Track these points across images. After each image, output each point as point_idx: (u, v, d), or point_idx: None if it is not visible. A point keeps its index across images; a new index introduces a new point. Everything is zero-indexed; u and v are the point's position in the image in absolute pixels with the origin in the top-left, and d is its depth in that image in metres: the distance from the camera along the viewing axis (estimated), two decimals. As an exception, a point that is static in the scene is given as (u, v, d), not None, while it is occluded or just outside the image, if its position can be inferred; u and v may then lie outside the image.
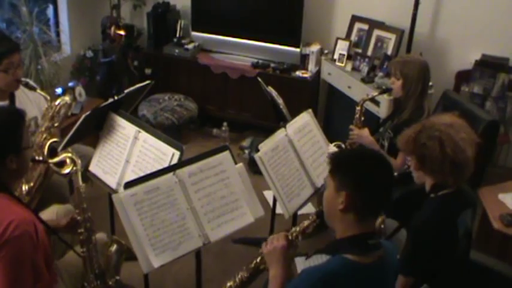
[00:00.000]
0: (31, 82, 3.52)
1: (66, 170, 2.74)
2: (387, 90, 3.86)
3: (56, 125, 3.37)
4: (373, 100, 3.83)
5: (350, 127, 3.91)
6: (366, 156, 2.11)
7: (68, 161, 2.71)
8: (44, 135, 3.32)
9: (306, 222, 2.50)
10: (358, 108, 3.90)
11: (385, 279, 2.07)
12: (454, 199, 2.60)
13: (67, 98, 3.43)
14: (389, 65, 4.66)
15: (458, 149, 2.49)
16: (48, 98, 3.45)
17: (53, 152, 2.84)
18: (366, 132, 3.85)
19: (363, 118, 3.91)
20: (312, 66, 5.40)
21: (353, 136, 3.90)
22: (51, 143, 3.04)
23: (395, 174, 3.08)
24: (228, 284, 2.59)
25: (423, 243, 2.54)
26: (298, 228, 2.44)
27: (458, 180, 2.57)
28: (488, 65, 4.71)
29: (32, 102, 3.62)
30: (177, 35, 5.90)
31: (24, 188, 3.25)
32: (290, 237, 2.38)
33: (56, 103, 3.39)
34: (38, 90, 3.48)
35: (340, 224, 2.06)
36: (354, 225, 2.01)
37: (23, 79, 3.44)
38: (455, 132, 2.52)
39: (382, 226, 2.94)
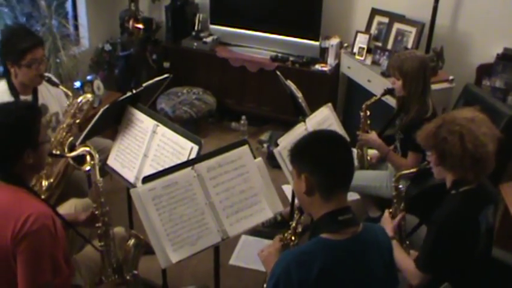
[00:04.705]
0: (54, 78, 3.54)
1: (87, 167, 2.74)
2: (389, 91, 3.79)
3: (77, 122, 3.37)
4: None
5: (357, 133, 3.90)
6: (318, 137, 2.17)
7: (86, 155, 2.70)
8: (65, 132, 3.33)
9: (293, 222, 2.53)
10: (362, 113, 3.88)
11: (363, 255, 2.06)
12: (475, 196, 2.56)
13: (89, 96, 3.43)
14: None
15: (479, 143, 2.44)
16: (70, 94, 3.46)
17: (71, 149, 2.84)
18: (373, 135, 3.83)
19: (368, 122, 3.89)
20: (331, 60, 5.36)
21: (360, 141, 3.91)
22: (71, 140, 3.03)
23: (414, 170, 3.05)
24: None
25: (444, 240, 2.51)
26: (289, 230, 2.55)
27: (479, 176, 2.53)
28: (510, 59, 4.64)
29: (54, 97, 3.64)
30: (196, 28, 5.87)
31: (44, 183, 3.26)
32: (284, 240, 2.51)
33: (78, 100, 3.39)
34: (61, 86, 3.51)
35: (311, 207, 2.12)
36: (322, 205, 2.06)
37: (46, 74, 3.45)
38: (477, 127, 2.47)
39: (403, 223, 2.91)
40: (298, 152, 2.12)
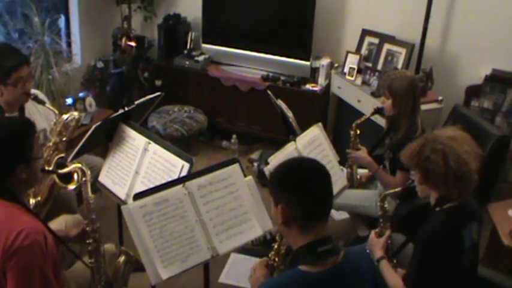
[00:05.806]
0: (40, 96, 3.51)
1: (72, 186, 2.74)
2: (378, 111, 3.79)
3: (64, 139, 3.34)
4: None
5: (347, 151, 3.91)
6: (296, 168, 2.09)
7: (77, 171, 2.70)
8: (52, 150, 3.30)
9: (276, 244, 2.54)
10: (352, 132, 3.89)
11: (343, 285, 2.02)
12: (459, 212, 2.59)
13: (75, 113, 3.39)
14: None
15: (462, 161, 2.48)
16: (57, 112, 3.41)
17: (60, 167, 2.83)
18: (363, 153, 3.85)
19: (358, 141, 3.90)
20: (321, 80, 5.40)
21: (350, 158, 3.92)
22: (58, 158, 3.03)
23: (399, 189, 3.07)
24: None
25: (430, 256, 2.53)
26: (273, 251, 2.52)
27: (462, 193, 2.56)
28: (498, 80, 4.70)
29: (41, 114, 3.62)
30: (188, 47, 5.90)
31: (32, 201, 3.24)
32: (269, 262, 2.48)
33: (64, 118, 3.35)
34: (47, 105, 3.47)
35: (290, 237, 2.07)
36: (300, 236, 2.01)
37: (32, 91, 3.43)
38: (459, 145, 2.52)
39: (389, 241, 2.92)
40: (275, 182, 2.06)
